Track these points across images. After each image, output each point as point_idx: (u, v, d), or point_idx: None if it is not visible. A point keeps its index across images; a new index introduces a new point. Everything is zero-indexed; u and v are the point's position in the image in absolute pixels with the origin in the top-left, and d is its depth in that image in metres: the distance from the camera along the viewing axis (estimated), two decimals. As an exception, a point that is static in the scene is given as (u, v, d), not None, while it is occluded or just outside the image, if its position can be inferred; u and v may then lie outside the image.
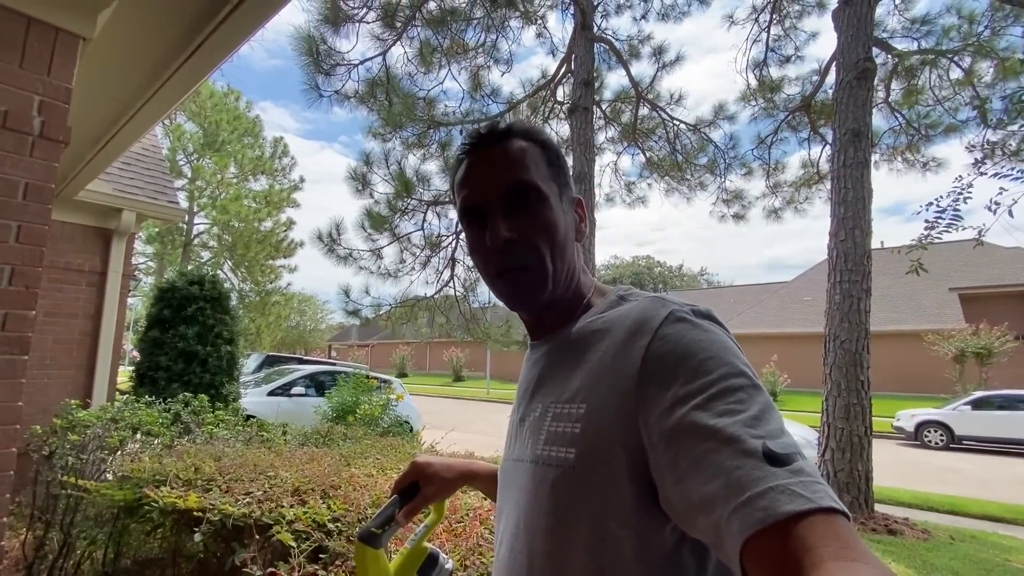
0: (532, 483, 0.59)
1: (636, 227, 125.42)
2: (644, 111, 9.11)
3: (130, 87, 2.63)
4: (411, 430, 7.53)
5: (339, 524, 1.46)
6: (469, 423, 14.14)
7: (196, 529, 1.58)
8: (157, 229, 20.13)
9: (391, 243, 7.57)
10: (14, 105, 1.68)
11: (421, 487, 0.82)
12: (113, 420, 3.00)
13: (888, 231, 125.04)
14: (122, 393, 5.29)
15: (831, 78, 7.26)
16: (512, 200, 0.65)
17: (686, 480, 0.45)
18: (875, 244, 6.21)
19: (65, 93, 1.79)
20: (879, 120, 8.89)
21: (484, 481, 0.86)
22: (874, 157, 9.09)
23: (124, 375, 6.01)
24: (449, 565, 0.83)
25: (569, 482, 0.55)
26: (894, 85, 8.51)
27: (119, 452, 2.76)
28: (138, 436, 2.91)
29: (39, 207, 1.72)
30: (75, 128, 2.95)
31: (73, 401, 3.28)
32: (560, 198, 0.68)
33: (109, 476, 2.58)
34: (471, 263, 8.02)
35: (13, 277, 1.67)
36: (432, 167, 7.80)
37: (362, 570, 0.75)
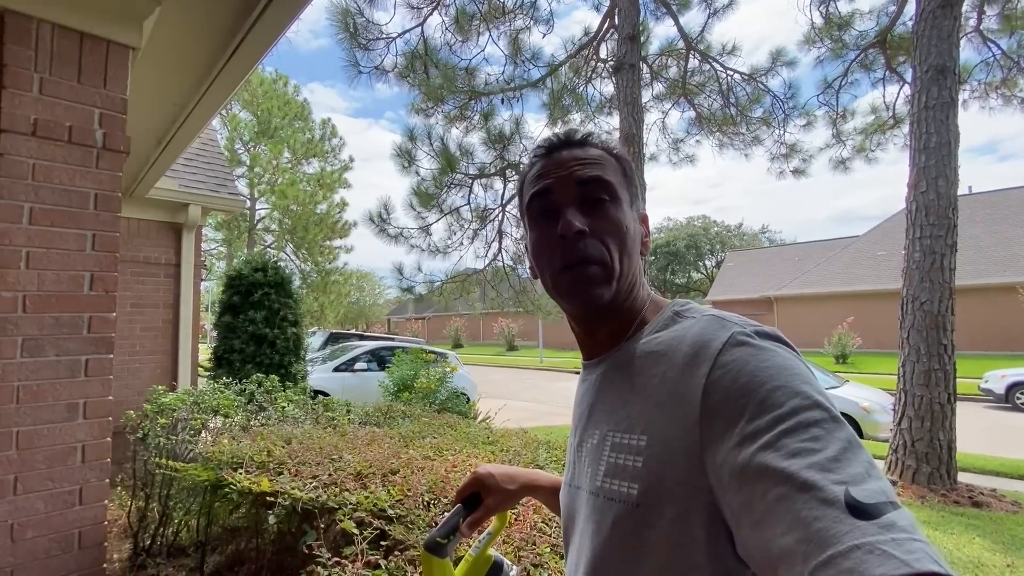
0: (595, 516, 0.58)
1: (690, 185, 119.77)
2: (694, 63, 8.52)
3: (182, 89, 2.74)
4: (468, 401, 7.75)
5: (397, 510, 1.53)
6: (523, 392, 14.39)
7: (270, 512, 1.70)
8: (223, 218, 21.32)
9: (439, 219, 7.64)
10: (78, 120, 1.78)
11: (483, 498, 0.82)
12: (196, 403, 3.27)
13: (977, 173, 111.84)
14: (206, 370, 5.75)
15: (911, 7, 6.45)
16: (588, 196, 0.65)
17: (763, 528, 0.41)
18: (962, 190, 5.60)
19: (121, 104, 1.88)
20: (969, 52, 7.88)
21: (546, 494, 0.85)
22: (963, 95, 8.11)
23: (205, 352, 6.50)
24: (514, 572, 0.83)
25: (632, 520, 0.52)
26: (987, 11, 7.47)
27: (203, 432, 3.01)
28: (217, 417, 3.15)
29: (109, 215, 1.84)
30: (138, 131, 3.13)
31: (160, 387, 3.59)
32: (631, 206, 0.68)
33: (200, 448, 2.82)
34: (519, 236, 8.01)
35: (94, 283, 1.81)
36: (475, 139, 7.73)
37: None
